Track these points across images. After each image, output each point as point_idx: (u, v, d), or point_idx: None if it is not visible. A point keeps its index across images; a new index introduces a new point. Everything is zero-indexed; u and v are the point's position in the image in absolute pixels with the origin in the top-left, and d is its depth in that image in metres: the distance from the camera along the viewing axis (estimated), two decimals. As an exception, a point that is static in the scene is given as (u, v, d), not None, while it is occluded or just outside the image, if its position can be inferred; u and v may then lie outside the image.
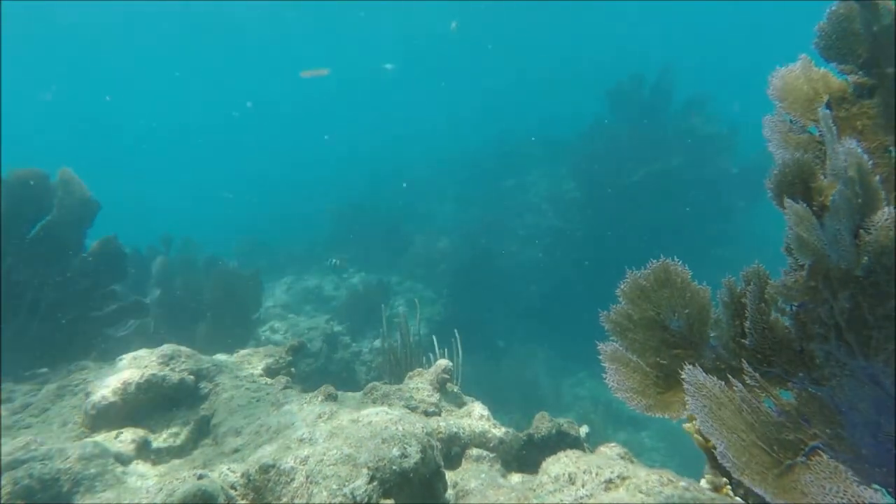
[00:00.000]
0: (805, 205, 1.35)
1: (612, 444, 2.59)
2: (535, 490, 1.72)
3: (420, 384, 3.29)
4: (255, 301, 7.15)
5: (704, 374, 1.46)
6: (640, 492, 1.49)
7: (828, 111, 1.46)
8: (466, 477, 2.50)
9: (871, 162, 1.21)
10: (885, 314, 1.30)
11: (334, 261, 8.44)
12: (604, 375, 1.76)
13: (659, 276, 1.72)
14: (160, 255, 7.66)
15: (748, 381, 1.49)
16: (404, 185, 14.95)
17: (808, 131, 1.62)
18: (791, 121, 1.66)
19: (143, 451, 2.91)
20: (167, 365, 3.36)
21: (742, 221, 11.40)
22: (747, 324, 1.57)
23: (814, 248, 1.34)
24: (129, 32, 26.43)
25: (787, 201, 1.36)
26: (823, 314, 1.40)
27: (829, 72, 1.63)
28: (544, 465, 1.82)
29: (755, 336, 1.57)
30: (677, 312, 1.71)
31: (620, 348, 1.78)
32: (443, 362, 3.45)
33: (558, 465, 1.74)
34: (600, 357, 1.79)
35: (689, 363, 1.65)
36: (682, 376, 1.48)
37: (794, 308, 1.48)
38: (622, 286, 1.77)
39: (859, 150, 1.20)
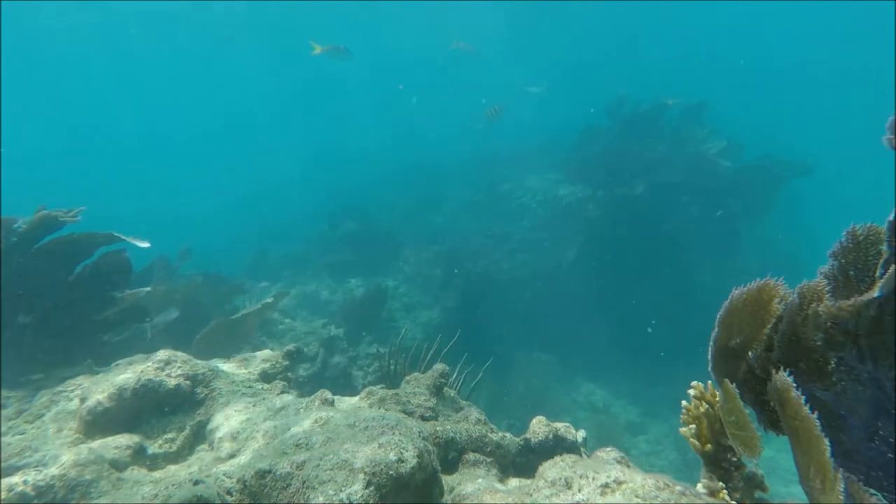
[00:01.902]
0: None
1: (609, 449, 2.59)
2: (531, 494, 1.72)
3: (417, 388, 3.28)
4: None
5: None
6: (637, 496, 1.49)
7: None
8: (463, 481, 2.50)
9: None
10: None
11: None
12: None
13: (750, 296, 1.69)
14: (177, 269, 7.69)
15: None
16: (384, 175, 14.79)
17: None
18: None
19: (139, 456, 2.90)
20: (163, 370, 3.35)
21: (744, 229, 11.45)
22: (777, 336, 1.59)
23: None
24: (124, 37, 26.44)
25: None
26: (850, 324, 1.42)
27: None
28: (541, 469, 1.82)
29: (782, 348, 1.59)
30: (742, 330, 1.72)
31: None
32: (440, 366, 3.45)
33: (555, 469, 1.74)
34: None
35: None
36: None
37: (830, 324, 1.49)
38: (719, 312, 1.74)
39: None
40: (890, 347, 1.36)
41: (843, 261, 1.53)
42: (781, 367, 1.57)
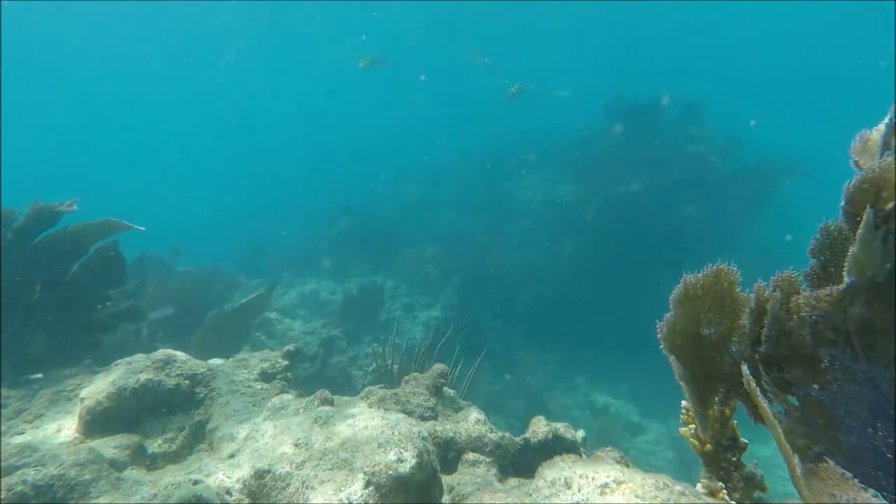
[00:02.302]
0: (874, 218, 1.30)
1: (609, 449, 2.59)
2: (531, 494, 1.72)
3: (416, 388, 3.28)
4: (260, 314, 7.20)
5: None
6: (636, 496, 1.49)
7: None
8: (463, 481, 2.50)
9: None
10: (893, 319, 1.32)
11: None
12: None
13: (707, 282, 1.68)
14: (171, 266, 7.67)
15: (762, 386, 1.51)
16: (383, 175, 14.77)
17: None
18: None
19: (138, 456, 2.89)
20: (162, 370, 3.34)
21: (741, 228, 11.44)
22: (764, 331, 1.58)
23: (864, 269, 1.33)
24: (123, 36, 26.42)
25: (868, 211, 1.29)
26: (837, 320, 1.42)
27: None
28: (540, 469, 1.81)
29: (770, 343, 1.58)
30: (712, 320, 1.71)
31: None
32: (439, 366, 3.45)
33: (554, 469, 1.74)
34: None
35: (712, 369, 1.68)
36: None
37: (815, 317, 1.48)
38: (672, 293, 1.72)
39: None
40: (884, 347, 1.36)
41: (821, 258, 1.52)
42: (773, 364, 1.57)
